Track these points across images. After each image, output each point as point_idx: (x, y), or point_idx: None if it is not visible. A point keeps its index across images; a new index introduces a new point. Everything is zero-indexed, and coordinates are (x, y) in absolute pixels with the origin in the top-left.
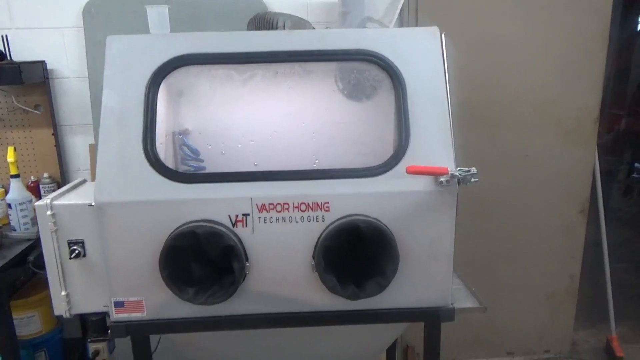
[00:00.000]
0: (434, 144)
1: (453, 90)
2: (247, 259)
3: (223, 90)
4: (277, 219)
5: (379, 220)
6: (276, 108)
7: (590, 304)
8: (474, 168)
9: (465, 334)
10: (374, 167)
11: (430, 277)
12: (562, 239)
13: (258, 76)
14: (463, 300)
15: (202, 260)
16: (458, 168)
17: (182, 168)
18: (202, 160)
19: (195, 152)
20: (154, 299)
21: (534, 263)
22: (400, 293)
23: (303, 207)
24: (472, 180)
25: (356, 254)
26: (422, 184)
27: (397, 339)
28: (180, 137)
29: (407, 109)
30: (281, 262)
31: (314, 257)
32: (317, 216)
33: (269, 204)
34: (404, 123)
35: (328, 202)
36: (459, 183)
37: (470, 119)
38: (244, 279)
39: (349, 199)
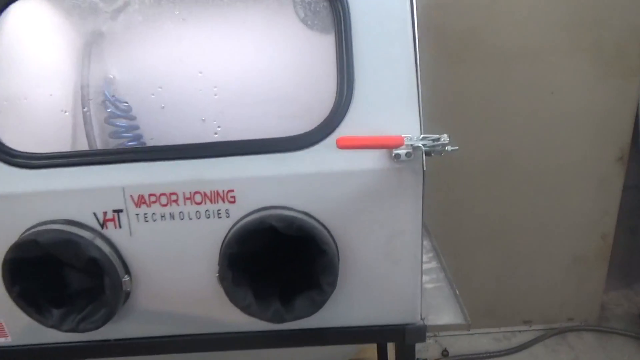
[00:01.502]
0: (391, 102)
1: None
2: (127, 272)
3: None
4: (163, 216)
5: (309, 214)
6: (161, 51)
7: (625, 260)
8: (445, 135)
9: (476, 303)
10: (299, 136)
11: (391, 286)
12: (594, 193)
13: (134, 3)
14: (442, 311)
15: (73, 271)
16: (422, 136)
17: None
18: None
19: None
20: (16, 321)
21: (558, 223)
22: (348, 308)
23: (198, 197)
24: (447, 149)
25: (283, 259)
26: (371, 159)
27: None
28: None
29: (350, 48)
30: (175, 273)
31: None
32: (218, 210)
33: (149, 194)
34: (345, 70)
35: (233, 190)
36: (427, 155)
37: (471, 50)
38: (127, 297)
39: (263, 185)
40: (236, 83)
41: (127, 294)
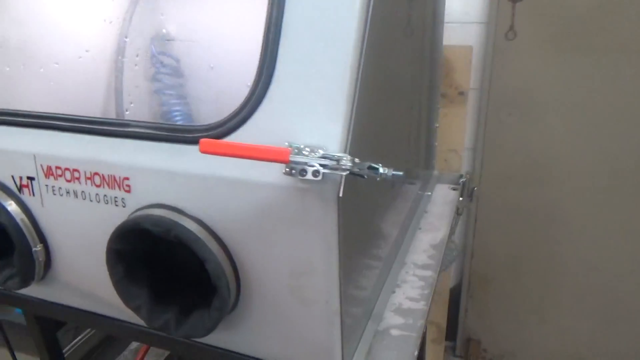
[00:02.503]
0: (313, 103)
1: None
2: (41, 241)
3: None
4: (68, 192)
5: (202, 223)
6: (89, 12)
7: None
8: (347, 156)
9: None
10: (200, 127)
11: (301, 329)
12: None
13: None
14: None
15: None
16: (322, 153)
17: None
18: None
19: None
20: None
21: None
22: (253, 337)
23: (97, 179)
24: (383, 173)
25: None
26: (274, 171)
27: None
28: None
29: (280, 22)
30: (84, 252)
31: None
32: (115, 198)
33: (56, 167)
34: (268, 50)
35: (128, 179)
36: (359, 175)
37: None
38: (47, 265)
39: (158, 179)
40: (161, 54)
41: (44, 263)
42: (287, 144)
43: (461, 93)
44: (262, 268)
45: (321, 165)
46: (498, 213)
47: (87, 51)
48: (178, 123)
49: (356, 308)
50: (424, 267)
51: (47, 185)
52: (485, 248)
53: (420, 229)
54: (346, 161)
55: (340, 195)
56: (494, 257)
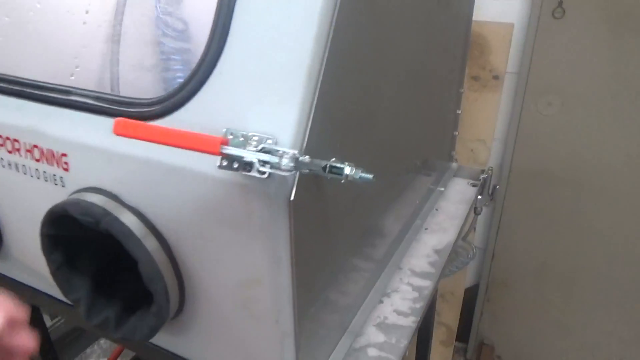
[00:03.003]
0: (271, 73)
1: None
2: None
3: None
4: (10, 164)
5: (140, 214)
6: None
7: None
8: (349, 166)
9: None
10: (146, 101)
11: (252, 343)
12: None
13: None
14: None
15: None
16: (262, 146)
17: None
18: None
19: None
20: None
21: None
22: (205, 347)
23: (37, 153)
24: (350, 175)
25: None
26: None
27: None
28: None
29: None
30: (31, 231)
31: None
32: (54, 175)
33: None
34: (221, 14)
35: (66, 155)
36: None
37: None
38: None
39: (95, 158)
40: (166, 14)
41: None
42: (225, 130)
43: (496, 77)
44: (207, 274)
45: (261, 161)
46: (525, 213)
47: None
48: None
49: (323, 323)
50: (422, 275)
51: None
52: (507, 250)
53: (426, 229)
54: (291, 158)
55: (292, 198)
56: (516, 260)
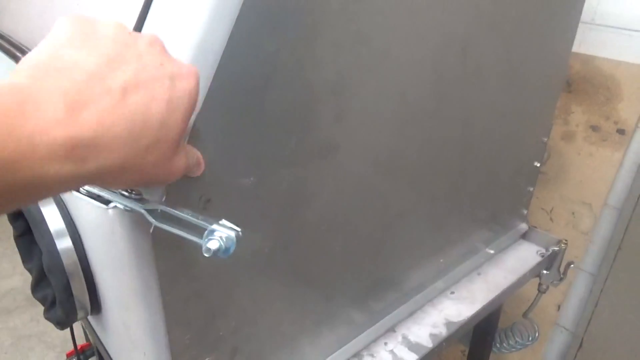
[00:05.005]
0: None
1: None
2: None
3: None
4: None
5: (61, 203)
6: None
7: None
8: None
9: None
10: None
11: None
12: None
13: None
14: None
15: None
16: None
17: None
18: None
19: None
20: None
21: None
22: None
23: None
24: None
25: None
26: None
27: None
28: None
29: None
30: None
31: None
32: None
33: None
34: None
35: None
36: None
37: None
38: None
39: None
40: None
41: None
42: None
43: (621, 131)
44: (105, 283)
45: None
46: (630, 301)
47: None
48: None
49: None
50: (413, 347)
51: None
52: (601, 340)
53: (452, 293)
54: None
55: (151, 230)
56: (609, 356)
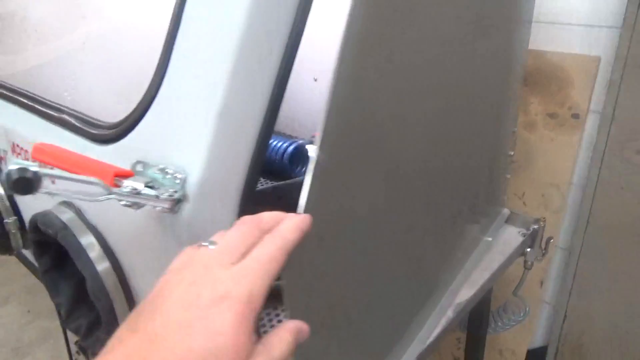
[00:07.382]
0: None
1: None
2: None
3: None
4: None
5: (95, 228)
6: None
7: None
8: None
9: None
10: (106, 124)
11: None
12: None
13: None
14: None
15: None
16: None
17: None
18: None
19: None
20: None
21: None
22: None
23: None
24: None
25: None
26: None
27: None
28: None
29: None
30: None
31: None
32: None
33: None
34: (166, 47)
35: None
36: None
37: None
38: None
39: None
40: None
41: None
42: (134, 162)
43: (576, 115)
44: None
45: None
46: (604, 271)
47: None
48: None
49: None
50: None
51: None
52: (582, 311)
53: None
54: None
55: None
56: (592, 325)
